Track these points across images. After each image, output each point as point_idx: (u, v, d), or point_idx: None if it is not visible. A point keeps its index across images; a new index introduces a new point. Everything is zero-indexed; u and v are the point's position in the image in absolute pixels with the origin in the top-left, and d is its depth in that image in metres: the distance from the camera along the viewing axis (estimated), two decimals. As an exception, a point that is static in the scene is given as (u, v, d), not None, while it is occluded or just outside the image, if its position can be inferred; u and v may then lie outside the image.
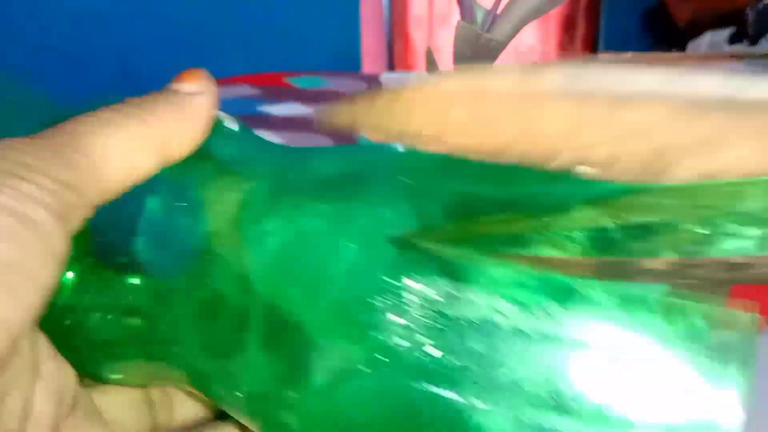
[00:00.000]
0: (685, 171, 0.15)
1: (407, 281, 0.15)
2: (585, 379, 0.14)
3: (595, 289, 0.14)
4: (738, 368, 0.14)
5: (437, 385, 0.15)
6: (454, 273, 0.15)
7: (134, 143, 0.16)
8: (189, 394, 0.21)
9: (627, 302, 0.14)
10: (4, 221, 0.12)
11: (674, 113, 0.14)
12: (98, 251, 0.19)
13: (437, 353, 0.15)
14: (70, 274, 0.18)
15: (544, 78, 0.15)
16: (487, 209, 0.16)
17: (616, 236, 0.14)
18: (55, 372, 0.16)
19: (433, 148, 0.16)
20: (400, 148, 0.19)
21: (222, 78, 0.99)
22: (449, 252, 0.15)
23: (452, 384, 0.15)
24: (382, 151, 0.19)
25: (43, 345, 0.16)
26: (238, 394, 0.18)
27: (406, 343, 0.15)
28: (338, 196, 0.17)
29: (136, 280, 0.19)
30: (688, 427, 0.14)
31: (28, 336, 0.15)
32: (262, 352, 0.17)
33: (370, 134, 0.17)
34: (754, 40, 1.55)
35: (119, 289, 0.19)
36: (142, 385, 0.21)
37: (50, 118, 0.21)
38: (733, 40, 1.63)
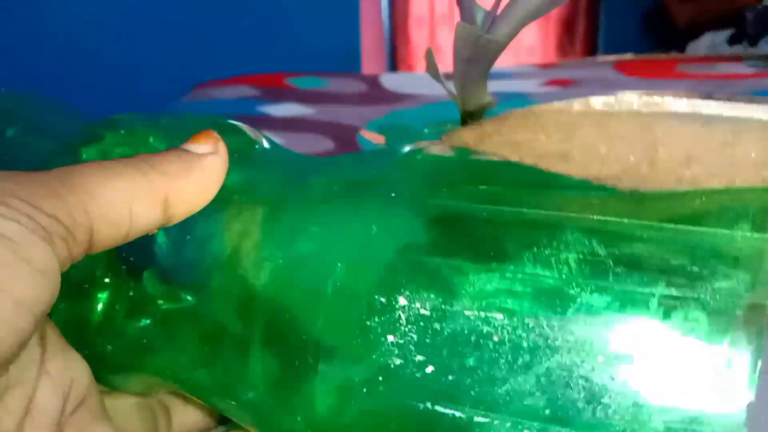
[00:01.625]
0: None
1: (398, 298, 0.15)
2: (583, 387, 0.14)
3: (591, 293, 0.14)
4: (742, 356, 0.13)
5: (435, 402, 0.15)
6: (443, 286, 0.15)
7: (133, 194, 0.16)
8: (187, 400, 0.21)
9: (624, 303, 0.14)
10: None
11: None
12: (119, 255, 0.19)
13: (430, 369, 0.15)
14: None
15: (666, 101, 0.15)
16: (475, 224, 0.16)
17: (606, 263, 0.14)
18: (62, 367, 0.16)
19: (559, 168, 0.16)
20: (403, 151, 0.19)
21: (222, 78, 0.99)
22: (438, 265, 0.15)
23: (449, 399, 0.15)
24: (381, 158, 0.19)
25: (53, 339, 0.16)
26: (232, 402, 0.18)
27: (400, 361, 0.15)
28: (331, 217, 0.17)
29: (153, 285, 0.19)
30: (694, 422, 0.14)
31: (35, 332, 0.15)
32: (265, 375, 0.17)
33: (499, 151, 0.17)
34: (753, 41, 1.55)
35: (134, 294, 0.19)
36: (144, 392, 0.21)
37: (76, 131, 0.21)
38: (733, 41, 1.64)
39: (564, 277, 0.14)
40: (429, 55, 0.26)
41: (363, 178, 0.18)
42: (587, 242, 0.14)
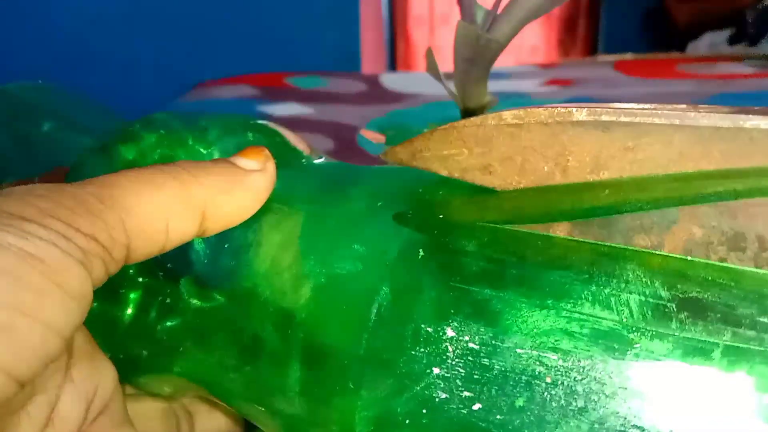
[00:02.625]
0: None
1: (445, 329, 0.15)
2: None
3: (651, 338, 0.13)
4: None
5: None
6: (494, 319, 0.14)
7: (171, 208, 0.15)
8: (212, 405, 0.21)
9: (687, 352, 0.13)
10: (3, 260, 0.12)
11: (686, 147, 0.15)
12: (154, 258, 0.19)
13: (477, 406, 0.14)
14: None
15: (569, 110, 0.16)
16: (529, 253, 0.15)
17: (670, 308, 0.13)
18: (87, 375, 0.15)
19: (483, 181, 0.17)
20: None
21: (222, 78, 0.99)
22: (489, 296, 0.15)
23: None
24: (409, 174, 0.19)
25: (80, 344, 0.15)
26: (261, 408, 0.18)
27: (444, 395, 0.14)
28: (374, 236, 0.17)
29: (188, 289, 0.19)
30: None
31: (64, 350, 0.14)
32: (303, 389, 0.17)
33: (429, 167, 0.18)
34: (753, 41, 1.55)
35: (168, 296, 0.19)
36: (171, 395, 0.21)
37: (112, 129, 0.21)
38: (733, 40, 1.64)
39: (624, 320, 0.14)
40: (429, 55, 0.26)
41: (407, 193, 0.18)
42: (650, 282, 0.14)
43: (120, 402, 0.17)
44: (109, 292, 0.19)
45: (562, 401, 0.14)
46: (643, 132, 0.15)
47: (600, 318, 0.14)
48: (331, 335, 0.16)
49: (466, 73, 0.25)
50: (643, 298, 0.14)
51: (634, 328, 0.13)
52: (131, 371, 0.19)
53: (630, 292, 0.14)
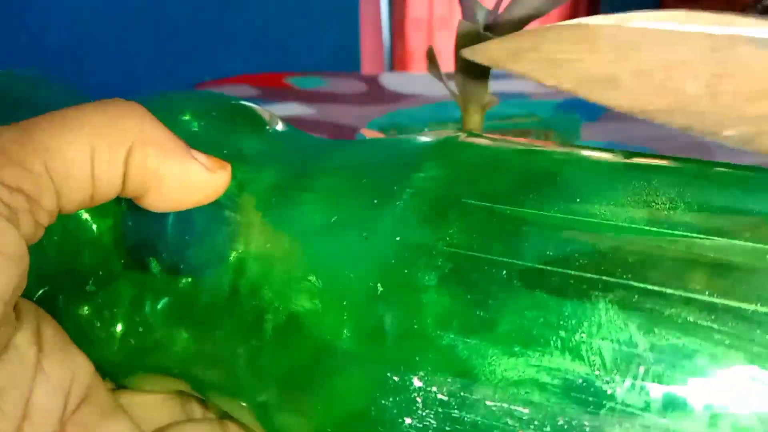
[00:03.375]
0: None
1: (413, 379, 0.14)
2: None
3: (631, 392, 0.12)
4: None
5: None
6: (463, 370, 0.14)
7: (95, 145, 0.14)
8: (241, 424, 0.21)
9: (666, 406, 0.12)
10: None
11: None
12: (130, 253, 0.18)
13: None
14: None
15: (746, 21, 0.13)
16: (492, 289, 0.14)
17: (646, 356, 0.12)
18: (60, 366, 0.15)
19: (603, 96, 0.14)
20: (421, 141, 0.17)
21: (222, 78, 0.99)
22: (457, 345, 0.14)
23: None
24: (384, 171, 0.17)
25: (50, 338, 0.15)
26: (242, 404, 0.18)
27: None
28: (334, 262, 0.16)
29: (160, 278, 0.18)
30: None
31: (27, 333, 0.14)
32: (277, 382, 0.16)
33: (531, 72, 0.15)
34: (753, 42, 1.55)
35: (153, 291, 0.18)
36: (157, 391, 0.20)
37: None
38: (733, 41, 1.63)
39: (596, 371, 0.13)
40: (431, 53, 0.26)
41: (365, 204, 0.16)
42: (624, 326, 0.12)
43: (103, 391, 0.16)
44: (84, 295, 0.18)
45: None
46: None
47: (570, 367, 0.13)
48: (307, 325, 0.16)
49: (467, 72, 0.25)
50: (616, 347, 0.13)
51: (607, 380, 0.12)
52: (118, 374, 0.19)
53: (602, 340, 0.13)
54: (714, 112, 0.13)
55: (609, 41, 0.13)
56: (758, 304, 0.12)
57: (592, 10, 2.08)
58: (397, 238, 0.15)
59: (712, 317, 0.12)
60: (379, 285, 0.14)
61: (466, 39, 0.23)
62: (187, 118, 0.19)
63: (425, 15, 2.05)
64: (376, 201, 0.15)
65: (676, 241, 0.13)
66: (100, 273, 0.18)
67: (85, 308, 0.18)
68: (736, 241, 0.13)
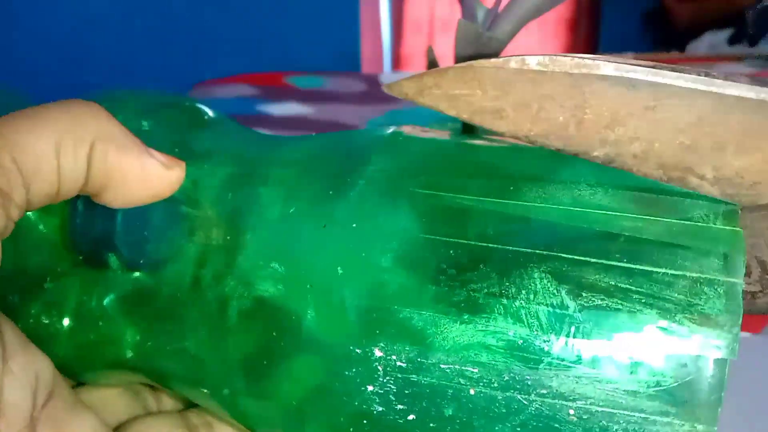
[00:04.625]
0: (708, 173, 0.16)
1: (374, 350, 0.15)
2: None
3: (564, 348, 0.14)
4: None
5: None
6: (419, 339, 0.15)
7: (60, 141, 0.15)
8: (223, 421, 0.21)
9: (596, 360, 0.14)
10: None
11: (707, 112, 0.15)
12: (81, 250, 0.19)
13: (411, 417, 0.15)
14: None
15: (596, 63, 0.16)
16: (443, 265, 0.15)
17: (576, 317, 0.14)
18: (25, 364, 0.15)
19: (493, 125, 0.17)
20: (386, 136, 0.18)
21: (222, 78, 0.99)
22: (410, 315, 0.15)
23: None
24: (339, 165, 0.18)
25: (11, 338, 0.15)
26: (204, 390, 0.18)
27: (382, 408, 0.15)
28: (298, 250, 0.17)
29: (117, 274, 0.18)
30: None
31: None
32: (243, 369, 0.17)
33: (436, 105, 0.17)
34: (753, 41, 1.55)
35: (102, 287, 0.19)
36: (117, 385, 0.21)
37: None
38: (733, 41, 1.64)
39: (535, 331, 0.14)
40: (430, 53, 0.26)
41: (323, 194, 0.17)
42: (556, 292, 0.14)
43: (65, 386, 0.17)
44: (39, 294, 0.19)
45: (486, 411, 0.15)
46: (666, 93, 0.15)
47: (512, 330, 0.15)
48: (272, 308, 0.17)
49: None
50: (550, 309, 0.14)
51: (544, 339, 0.14)
52: (77, 371, 0.19)
53: (539, 305, 0.14)
54: (581, 136, 0.16)
55: (492, 80, 0.16)
56: (667, 268, 0.14)
57: (592, 10, 2.08)
58: (354, 225, 0.16)
59: (630, 281, 0.14)
60: (339, 268, 0.16)
61: (466, 38, 0.23)
62: (134, 116, 0.19)
63: (426, 16, 2.04)
64: (331, 192, 0.17)
65: (597, 219, 0.15)
66: (49, 271, 0.19)
67: (35, 306, 0.19)
68: (648, 217, 0.15)
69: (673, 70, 0.15)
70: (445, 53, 0.27)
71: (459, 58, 0.24)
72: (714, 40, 1.64)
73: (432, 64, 0.26)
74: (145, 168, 0.16)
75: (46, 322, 0.19)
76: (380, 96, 0.89)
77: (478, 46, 0.23)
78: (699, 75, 0.15)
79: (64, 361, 0.18)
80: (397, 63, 2.02)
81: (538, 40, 2.09)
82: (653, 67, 0.15)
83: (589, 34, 2.11)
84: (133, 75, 1.38)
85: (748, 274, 0.16)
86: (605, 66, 0.15)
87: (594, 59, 0.16)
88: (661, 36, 1.90)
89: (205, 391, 0.18)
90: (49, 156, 0.15)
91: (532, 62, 0.16)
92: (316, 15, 1.53)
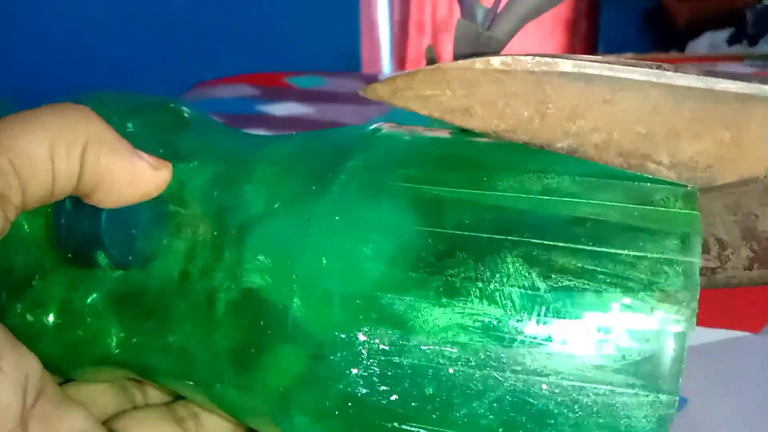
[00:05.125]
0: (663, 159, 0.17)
1: (358, 335, 0.16)
2: (531, 411, 0.15)
3: (536, 327, 0.15)
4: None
5: (402, 422, 0.16)
6: (400, 323, 0.16)
7: (54, 144, 0.15)
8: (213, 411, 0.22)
9: (566, 337, 0.15)
10: None
11: (660, 103, 0.16)
12: (68, 248, 0.19)
13: (394, 397, 0.16)
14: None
15: (556, 61, 0.17)
16: (421, 253, 0.16)
17: (546, 297, 0.15)
18: (16, 364, 0.15)
19: (463, 122, 0.18)
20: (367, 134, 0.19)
21: (222, 78, 0.99)
22: (394, 303, 0.16)
23: (414, 420, 0.16)
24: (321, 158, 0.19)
25: (0, 338, 0.15)
26: (190, 382, 0.19)
27: (366, 391, 0.16)
28: (283, 239, 0.17)
29: (104, 271, 0.19)
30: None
31: None
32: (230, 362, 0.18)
33: (409, 106, 0.18)
34: (753, 41, 1.55)
35: (87, 285, 0.19)
36: (105, 381, 0.21)
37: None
38: (732, 40, 1.64)
39: (508, 312, 0.15)
40: (429, 52, 0.26)
41: (305, 189, 0.18)
42: (528, 274, 0.15)
43: (53, 385, 0.17)
44: (25, 293, 0.19)
45: (464, 388, 0.16)
46: (621, 86, 0.16)
47: (488, 312, 0.15)
48: (252, 326, 0.17)
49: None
50: (522, 291, 0.15)
51: (518, 319, 0.15)
52: (64, 369, 0.20)
53: (512, 287, 0.15)
54: (545, 129, 0.17)
55: (459, 80, 0.17)
56: (631, 250, 0.15)
57: (592, 12, 2.08)
58: (336, 218, 0.17)
59: (596, 262, 0.15)
60: (323, 259, 0.17)
61: (465, 37, 0.23)
62: (119, 118, 0.20)
63: (426, 16, 2.05)
64: (314, 187, 0.18)
65: (564, 205, 0.16)
66: (35, 269, 0.19)
67: (22, 304, 0.19)
68: (611, 203, 0.16)
69: (627, 64, 0.16)
70: (444, 51, 0.27)
71: (458, 58, 0.24)
72: (714, 39, 1.64)
73: (431, 63, 0.26)
74: (135, 169, 0.17)
75: (33, 320, 0.19)
76: (380, 96, 0.89)
77: (478, 45, 0.23)
78: (651, 68, 0.16)
79: (51, 359, 0.18)
80: (399, 63, 2.02)
81: (537, 40, 2.09)
82: (609, 62, 0.16)
83: (589, 34, 2.11)
84: (133, 75, 1.38)
85: (707, 251, 0.17)
86: (564, 63, 0.16)
87: (553, 57, 0.17)
88: (661, 36, 1.90)
89: (191, 383, 0.19)
90: (44, 158, 0.15)
91: (496, 62, 0.17)
92: (316, 15, 1.53)
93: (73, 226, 0.19)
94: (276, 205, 0.18)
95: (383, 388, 0.16)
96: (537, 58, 0.17)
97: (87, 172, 0.16)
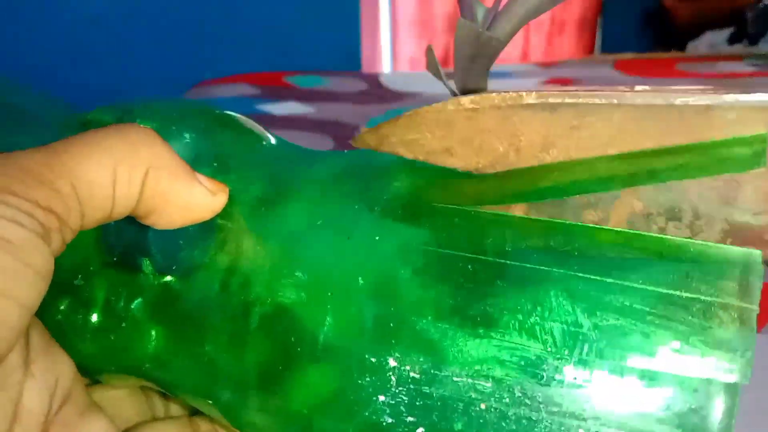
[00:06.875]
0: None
1: (388, 359, 0.15)
2: None
3: (577, 366, 0.14)
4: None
5: None
6: (433, 351, 0.15)
7: (117, 169, 0.15)
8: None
9: (608, 379, 0.14)
10: None
11: (624, 124, 0.17)
12: (114, 252, 0.19)
13: (420, 430, 0.15)
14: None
15: (519, 94, 0.17)
16: (462, 281, 0.16)
17: (590, 335, 0.14)
18: (46, 368, 0.15)
19: (446, 162, 0.18)
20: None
21: (222, 77, 0.99)
22: (429, 329, 0.15)
23: None
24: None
25: (36, 341, 0.16)
26: (210, 401, 0.19)
27: (391, 420, 0.15)
28: (317, 263, 0.17)
29: (147, 277, 0.19)
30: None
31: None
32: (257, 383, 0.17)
33: (396, 151, 0.19)
34: (753, 41, 1.55)
35: (130, 289, 0.19)
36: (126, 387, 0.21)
37: (63, 123, 0.21)
38: (733, 40, 1.64)
39: (548, 348, 0.15)
40: (429, 52, 0.26)
41: (345, 215, 0.18)
42: (571, 310, 0.15)
43: (81, 390, 0.17)
44: (68, 295, 0.19)
45: (496, 426, 0.15)
46: (586, 112, 0.17)
47: (526, 346, 0.15)
48: (281, 350, 0.17)
49: (466, 71, 0.25)
50: (565, 327, 0.15)
51: (558, 356, 0.14)
52: (93, 372, 0.20)
53: (553, 321, 0.15)
54: (522, 162, 0.17)
55: (436, 122, 0.18)
56: (683, 291, 0.14)
57: (593, 10, 2.08)
58: (376, 238, 0.17)
59: (645, 302, 0.14)
60: (360, 278, 0.16)
61: (465, 37, 0.23)
62: (177, 128, 0.20)
63: (426, 16, 2.04)
64: (356, 206, 0.18)
65: (614, 239, 0.16)
66: (78, 270, 0.19)
67: (65, 302, 0.19)
68: (665, 236, 0.15)
69: (587, 90, 0.17)
70: (444, 51, 0.27)
71: (458, 58, 0.24)
72: (714, 39, 1.64)
73: (432, 63, 0.26)
74: (193, 195, 0.17)
75: (75, 318, 0.19)
76: (380, 95, 0.89)
77: (478, 45, 0.23)
78: (611, 92, 0.17)
79: (86, 359, 0.18)
80: (399, 62, 2.02)
81: (537, 41, 2.09)
82: (571, 90, 0.17)
83: (589, 34, 2.11)
84: (133, 74, 1.38)
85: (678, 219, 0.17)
86: (527, 96, 0.17)
87: (517, 92, 0.17)
88: (661, 35, 1.90)
89: (211, 402, 0.18)
90: (105, 183, 0.15)
91: (466, 102, 0.18)
92: (317, 14, 1.53)
93: (122, 231, 0.19)
94: (318, 222, 0.18)
95: (410, 419, 0.15)
96: (502, 93, 0.17)
97: (146, 197, 0.16)
